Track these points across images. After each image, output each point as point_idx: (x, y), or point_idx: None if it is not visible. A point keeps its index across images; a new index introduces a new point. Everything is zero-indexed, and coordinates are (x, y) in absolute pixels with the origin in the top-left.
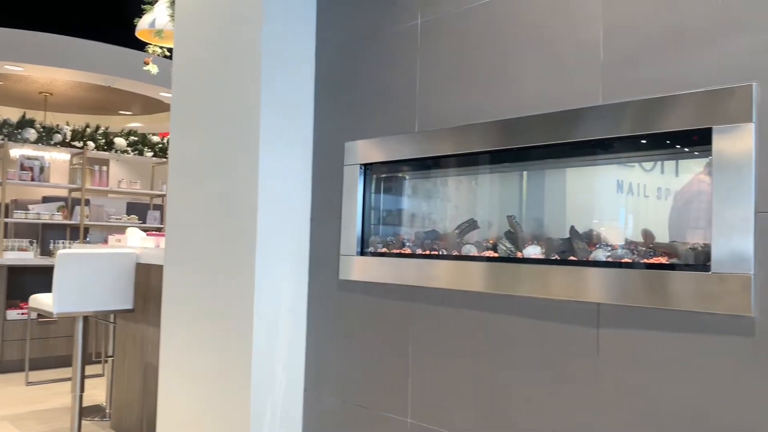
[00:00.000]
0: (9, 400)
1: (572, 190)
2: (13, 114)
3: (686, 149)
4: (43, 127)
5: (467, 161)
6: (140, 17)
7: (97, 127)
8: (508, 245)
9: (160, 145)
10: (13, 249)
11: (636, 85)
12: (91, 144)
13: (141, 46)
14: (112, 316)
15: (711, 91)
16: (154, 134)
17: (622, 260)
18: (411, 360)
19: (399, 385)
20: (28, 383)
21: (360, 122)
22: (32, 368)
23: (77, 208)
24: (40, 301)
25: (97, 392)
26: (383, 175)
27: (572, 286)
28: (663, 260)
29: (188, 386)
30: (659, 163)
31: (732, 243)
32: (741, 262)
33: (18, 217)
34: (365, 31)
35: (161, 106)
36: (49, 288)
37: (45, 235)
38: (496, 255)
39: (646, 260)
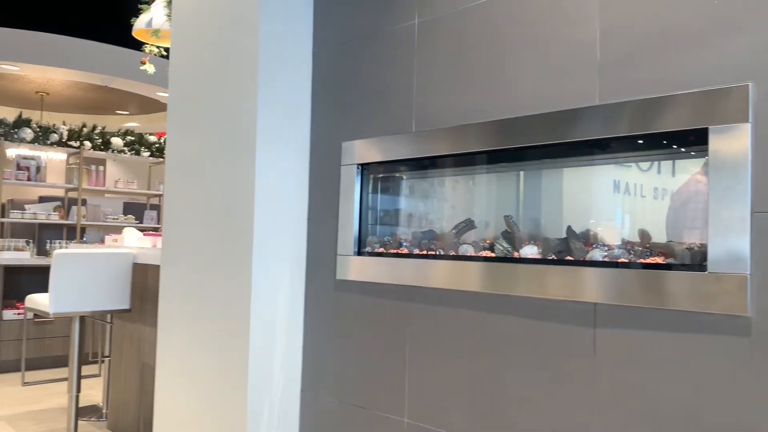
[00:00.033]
0: (5, 401)
1: (569, 190)
2: (9, 114)
3: (683, 149)
4: (40, 127)
5: (464, 161)
6: (137, 17)
7: (94, 127)
8: (505, 245)
9: (157, 145)
10: (9, 249)
11: (633, 85)
12: (87, 144)
13: (138, 45)
14: (108, 316)
15: (707, 92)
16: (151, 134)
17: (619, 260)
18: (408, 360)
19: (396, 385)
20: (25, 383)
21: (357, 122)
22: (29, 368)
23: (74, 208)
24: (37, 301)
25: (93, 392)
26: (380, 175)
27: (569, 286)
28: (659, 260)
29: (185, 386)
30: (656, 163)
31: (728, 243)
32: (737, 262)
33: (14, 216)
34: (363, 31)
35: (158, 106)
36: (46, 288)
37: (41, 235)
38: (493, 255)
39: (642, 260)
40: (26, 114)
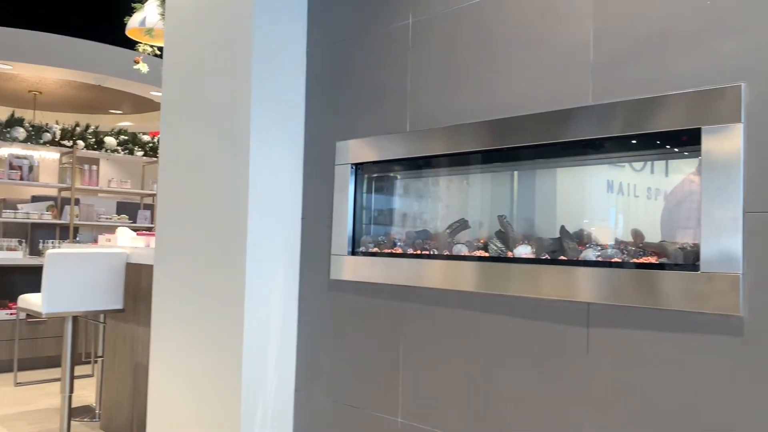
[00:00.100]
0: None
1: (563, 190)
2: (1, 113)
3: (676, 149)
4: (33, 126)
5: (458, 161)
6: (130, 16)
7: (87, 126)
8: (499, 245)
9: (151, 145)
10: (1, 248)
11: (626, 86)
12: (80, 143)
13: (131, 44)
14: (102, 316)
15: (700, 92)
16: (144, 133)
17: (612, 260)
18: (402, 360)
19: (390, 384)
20: (17, 384)
21: (351, 122)
22: (21, 369)
23: (67, 208)
24: (29, 301)
25: (86, 393)
26: (374, 175)
27: (562, 286)
28: (652, 260)
29: (179, 386)
30: (649, 163)
31: (721, 243)
32: (730, 262)
33: (7, 216)
34: (357, 31)
35: (152, 105)
36: (38, 288)
37: (34, 235)
38: (486, 255)
39: (635, 260)
40: (19, 113)
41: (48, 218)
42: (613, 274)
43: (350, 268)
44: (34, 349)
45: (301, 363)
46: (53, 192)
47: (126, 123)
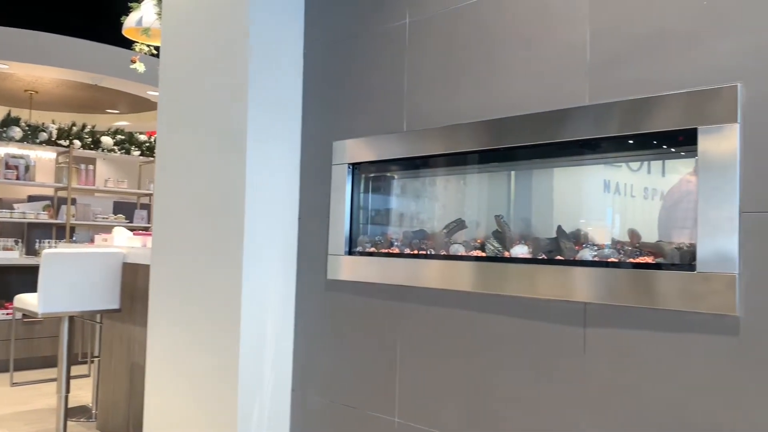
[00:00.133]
0: None
1: (559, 190)
2: None
3: (672, 149)
4: (29, 126)
5: (455, 161)
6: (127, 15)
7: (84, 126)
8: (496, 245)
9: (147, 144)
10: None
11: (622, 86)
12: (77, 143)
13: (128, 44)
14: (98, 316)
15: (696, 92)
16: (141, 133)
17: (609, 260)
18: (399, 359)
19: (387, 384)
20: (13, 384)
21: (348, 121)
22: (17, 369)
23: (63, 207)
24: (25, 301)
25: (82, 393)
26: (371, 175)
27: (559, 286)
28: (649, 260)
29: (175, 386)
30: (646, 163)
31: (717, 243)
32: (726, 262)
33: (3, 216)
34: (354, 31)
35: (148, 105)
36: (35, 288)
37: (30, 235)
38: (483, 255)
39: (632, 260)
40: (15, 112)
41: (44, 218)
42: (610, 274)
43: (347, 268)
44: (31, 349)
45: (297, 363)
46: (50, 192)
47: (123, 122)
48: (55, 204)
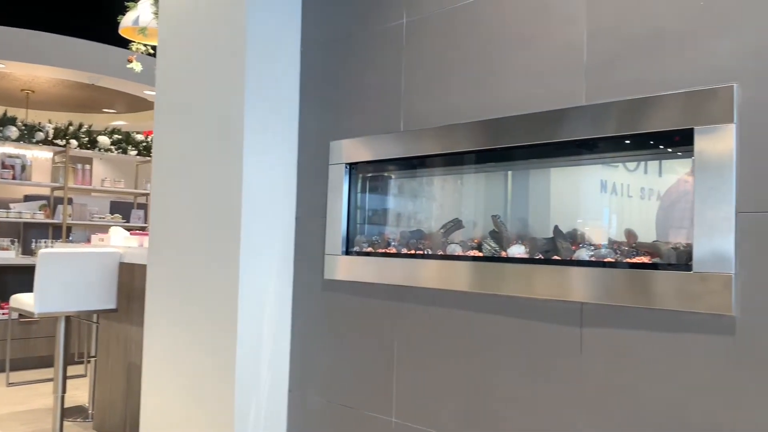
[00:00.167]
0: None
1: (556, 190)
2: None
3: (669, 150)
4: (25, 125)
5: (452, 161)
6: (124, 14)
7: (80, 125)
8: (493, 245)
9: (144, 144)
10: None
11: (619, 86)
12: (73, 142)
13: (125, 43)
14: (95, 316)
15: (693, 92)
16: (138, 132)
17: (605, 260)
18: (396, 359)
19: (384, 384)
20: (9, 384)
21: (345, 121)
22: (13, 369)
23: (60, 207)
24: (21, 301)
25: (79, 393)
26: (369, 175)
27: (556, 286)
28: (645, 260)
29: (172, 386)
30: (642, 163)
31: (713, 243)
32: (722, 262)
33: None
34: (351, 30)
35: (145, 104)
36: (31, 288)
37: (27, 234)
38: (480, 254)
39: (628, 260)
40: (11, 112)
41: (41, 218)
42: (606, 274)
43: (344, 268)
44: (27, 349)
45: (294, 363)
46: (46, 191)
47: (119, 122)
48: (51, 204)
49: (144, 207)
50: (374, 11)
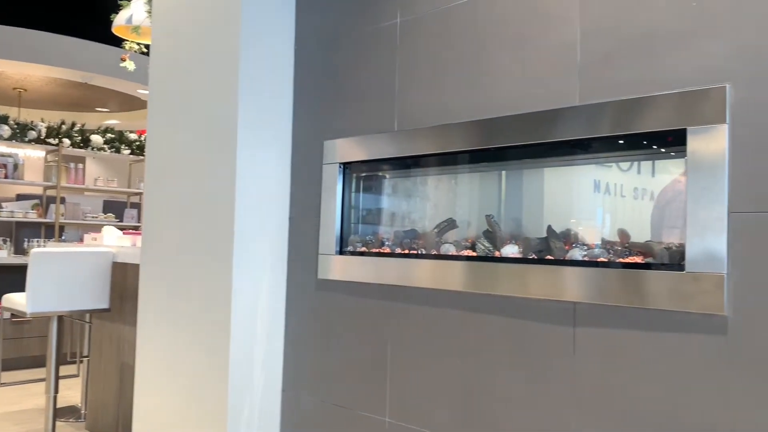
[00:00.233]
0: None
1: (550, 190)
2: None
3: (662, 150)
4: (17, 124)
5: (446, 160)
6: (117, 13)
7: (73, 124)
8: (487, 244)
9: (138, 143)
10: None
11: (612, 86)
12: (66, 141)
13: (118, 42)
14: (87, 315)
15: (686, 93)
16: (131, 131)
17: (598, 260)
18: (389, 359)
19: (378, 384)
20: (1, 384)
21: (339, 121)
22: (5, 369)
23: (52, 206)
24: (14, 300)
25: (71, 393)
26: (363, 174)
27: (549, 286)
28: (638, 260)
29: (165, 386)
30: (636, 163)
31: (706, 243)
32: (714, 262)
33: None
34: (345, 30)
35: (139, 104)
36: (23, 287)
37: (19, 234)
38: (474, 254)
39: (621, 260)
40: (4, 110)
41: (33, 217)
42: (599, 274)
43: (338, 268)
44: (19, 349)
45: (288, 363)
46: (38, 190)
47: (113, 121)
48: (44, 203)
49: (137, 206)
50: (368, 11)
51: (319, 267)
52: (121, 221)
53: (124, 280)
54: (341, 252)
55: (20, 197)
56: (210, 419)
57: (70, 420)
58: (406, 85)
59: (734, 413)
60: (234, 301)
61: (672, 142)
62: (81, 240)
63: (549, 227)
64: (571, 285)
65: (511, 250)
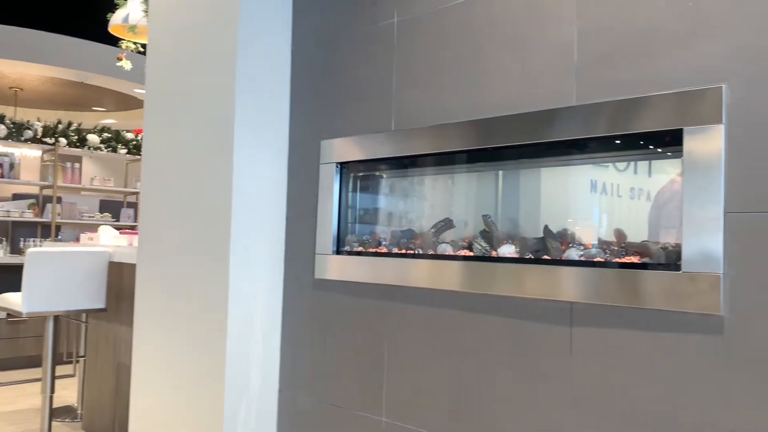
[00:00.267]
0: None
1: (546, 190)
2: None
3: (659, 150)
4: (14, 123)
5: (443, 160)
6: (113, 12)
7: (70, 124)
8: (483, 244)
9: (134, 143)
10: None
11: (609, 86)
12: (63, 140)
13: (114, 41)
14: (83, 315)
15: (682, 93)
16: (128, 131)
17: (595, 259)
18: (386, 359)
19: (374, 384)
20: None
21: (336, 121)
22: (1, 369)
23: (48, 206)
24: (10, 300)
25: (68, 393)
26: (360, 174)
27: (546, 285)
28: (635, 260)
29: (161, 386)
30: (632, 163)
31: (702, 243)
32: (710, 262)
33: None
34: (342, 30)
35: (135, 103)
36: (19, 287)
37: (15, 233)
38: (471, 254)
39: (618, 260)
40: (0, 110)
41: (29, 216)
42: (596, 274)
43: (335, 268)
44: (15, 349)
45: (285, 362)
46: (35, 190)
47: (109, 120)
48: (40, 202)
49: (134, 206)
50: (365, 10)
51: (316, 267)
52: (118, 221)
53: (120, 279)
54: (338, 252)
55: (16, 197)
56: (207, 419)
57: (66, 420)
58: (403, 84)
59: (731, 413)
60: (231, 300)
61: (669, 142)
62: (77, 240)
63: (546, 227)
64: (568, 285)
65: (507, 250)
